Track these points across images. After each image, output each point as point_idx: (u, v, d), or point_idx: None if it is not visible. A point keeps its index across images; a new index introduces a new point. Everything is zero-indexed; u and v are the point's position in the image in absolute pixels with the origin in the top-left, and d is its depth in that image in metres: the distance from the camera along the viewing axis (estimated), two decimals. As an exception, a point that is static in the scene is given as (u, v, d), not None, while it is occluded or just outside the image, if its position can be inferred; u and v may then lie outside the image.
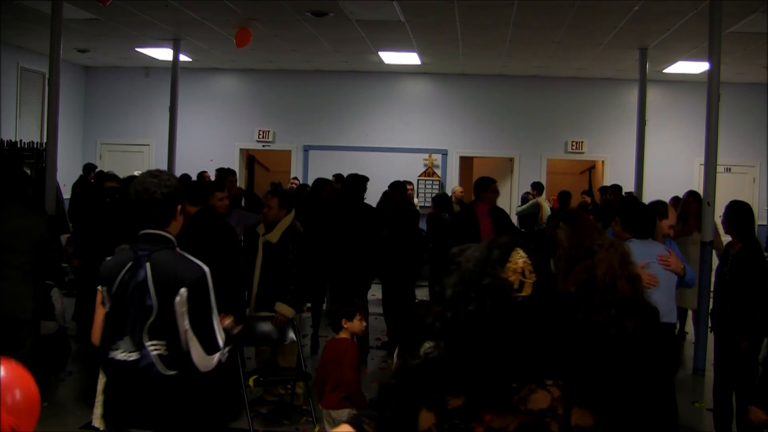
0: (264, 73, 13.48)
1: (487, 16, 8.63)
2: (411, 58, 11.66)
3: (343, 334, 4.50)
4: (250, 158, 14.63)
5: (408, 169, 12.80)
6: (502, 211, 7.30)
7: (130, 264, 2.84)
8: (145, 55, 12.00)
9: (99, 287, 2.93)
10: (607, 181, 12.88)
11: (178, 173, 11.03)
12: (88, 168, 11.68)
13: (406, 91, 13.42)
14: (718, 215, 5.91)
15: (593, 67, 11.85)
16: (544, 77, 12.90)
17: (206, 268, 2.90)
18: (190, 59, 12.16)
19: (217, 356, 2.86)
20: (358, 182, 7.22)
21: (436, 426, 1.46)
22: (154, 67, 13.19)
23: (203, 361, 2.82)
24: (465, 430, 1.45)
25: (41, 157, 10.03)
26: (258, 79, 13.60)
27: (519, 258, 1.48)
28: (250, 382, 5.16)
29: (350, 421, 1.54)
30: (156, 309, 2.77)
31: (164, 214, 2.89)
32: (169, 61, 11.18)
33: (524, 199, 11.51)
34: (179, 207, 2.95)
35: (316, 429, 5.28)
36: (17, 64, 11.44)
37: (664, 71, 11.69)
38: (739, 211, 4.95)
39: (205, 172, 11.53)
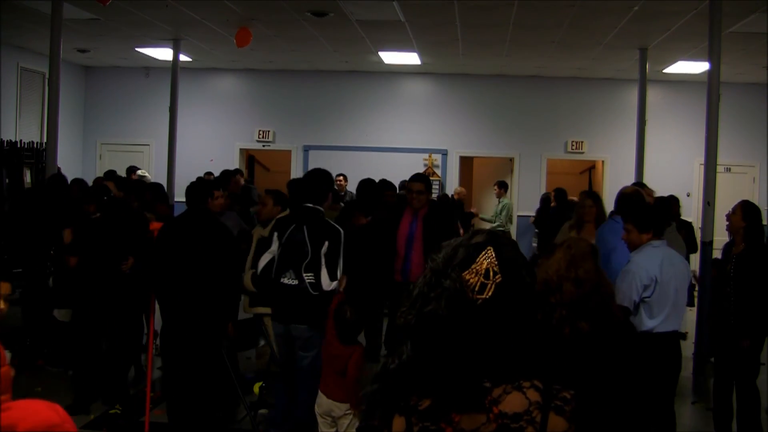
0: (264, 73, 13.48)
1: (487, 16, 8.63)
2: (411, 58, 11.66)
3: None
4: (250, 158, 14.64)
5: (408, 169, 12.67)
6: (442, 212, 6.39)
7: (293, 226, 4.68)
8: (145, 55, 12.00)
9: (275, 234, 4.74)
10: (607, 182, 12.90)
11: (178, 174, 11.09)
12: (131, 170, 11.76)
13: (406, 91, 13.42)
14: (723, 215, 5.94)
15: (593, 67, 11.85)
16: (544, 77, 12.90)
17: (341, 230, 4.67)
18: (190, 59, 12.16)
19: (335, 283, 4.58)
20: (372, 187, 7.03)
21: (407, 430, 1.45)
22: (154, 67, 13.19)
23: (327, 284, 4.56)
24: (435, 431, 1.42)
25: (41, 157, 10.03)
26: (258, 79, 13.60)
27: (485, 259, 1.43)
28: (255, 389, 5.17)
29: None
30: (310, 254, 4.56)
31: (320, 196, 4.77)
32: (169, 61, 11.18)
33: (545, 200, 11.55)
34: (330, 193, 4.93)
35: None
36: (17, 64, 11.44)
37: (664, 71, 11.69)
38: (754, 212, 5.05)
39: (209, 173, 11.56)
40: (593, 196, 6.16)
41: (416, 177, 6.28)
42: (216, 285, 4.87)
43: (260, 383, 5.21)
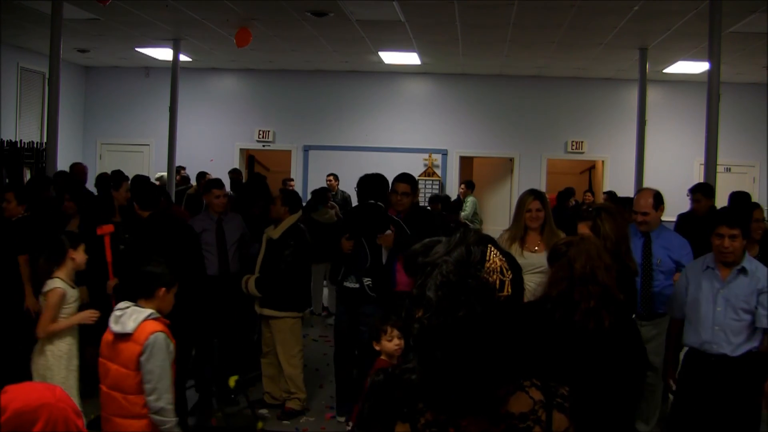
0: (264, 73, 13.48)
1: (487, 16, 8.63)
2: (411, 58, 11.65)
3: (383, 357, 3.98)
4: (250, 158, 14.64)
5: (408, 169, 12.66)
6: (422, 217, 5.68)
7: (354, 240, 5.39)
8: (145, 55, 12.00)
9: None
10: (607, 182, 12.90)
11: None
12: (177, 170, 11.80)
13: (406, 91, 13.42)
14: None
15: (593, 67, 11.85)
16: (544, 77, 12.90)
17: (401, 222, 5.36)
18: (190, 59, 12.16)
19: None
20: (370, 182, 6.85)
21: None
22: (154, 67, 13.19)
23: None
24: None
25: (41, 157, 10.03)
26: (258, 79, 13.60)
27: (495, 256, 1.42)
28: (231, 382, 5.17)
29: None
30: (369, 262, 5.32)
31: (383, 195, 5.47)
32: (169, 61, 11.18)
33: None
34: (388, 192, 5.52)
35: (259, 425, 5.33)
36: (17, 64, 11.44)
37: (664, 71, 11.69)
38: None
39: (207, 174, 11.63)
40: (541, 198, 4.89)
41: (402, 177, 5.55)
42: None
43: (236, 377, 5.21)
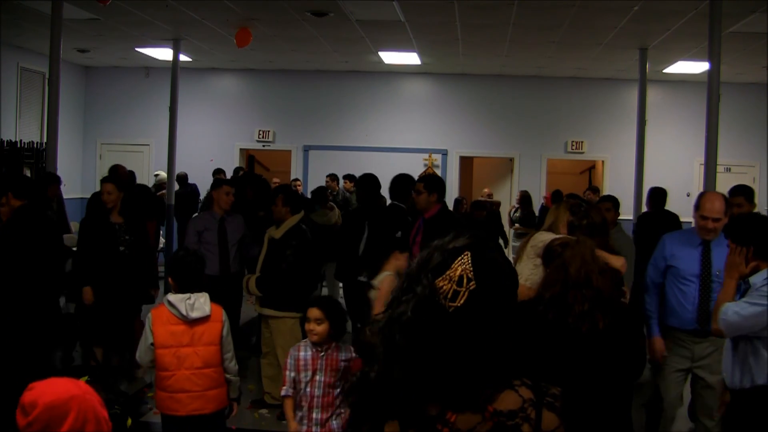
0: (264, 73, 13.48)
1: (487, 16, 8.63)
2: (411, 58, 11.66)
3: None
4: (250, 158, 14.65)
5: (408, 169, 12.66)
6: (446, 218, 5.67)
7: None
8: (145, 55, 12.00)
9: None
10: (607, 182, 12.90)
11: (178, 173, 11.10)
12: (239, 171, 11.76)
13: (406, 91, 13.42)
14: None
15: (593, 67, 11.86)
16: (544, 77, 12.90)
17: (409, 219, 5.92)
18: (190, 59, 12.16)
19: None
20: (373, 182, 6.75)
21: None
22: (154, 67, 13.20)
23: None
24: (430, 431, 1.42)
25: (41, 157, 10.03)
26: (258, 79, 13.60)
27: (460, 265, 1.40)
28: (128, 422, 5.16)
29: None
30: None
31: (406, 196, 5.99)
32: (169, 61, 11.18)
33: (522, 200, 11.43)
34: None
35: (128, 422, 5.30)
36: (17, 64, 11.44)
37: (664, 71, 11.69)
38: None
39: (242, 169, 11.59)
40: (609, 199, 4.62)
41: (419, 177, 6.26)
42: (35, 283, 5.04)
43: (86, 377, 5.18)
